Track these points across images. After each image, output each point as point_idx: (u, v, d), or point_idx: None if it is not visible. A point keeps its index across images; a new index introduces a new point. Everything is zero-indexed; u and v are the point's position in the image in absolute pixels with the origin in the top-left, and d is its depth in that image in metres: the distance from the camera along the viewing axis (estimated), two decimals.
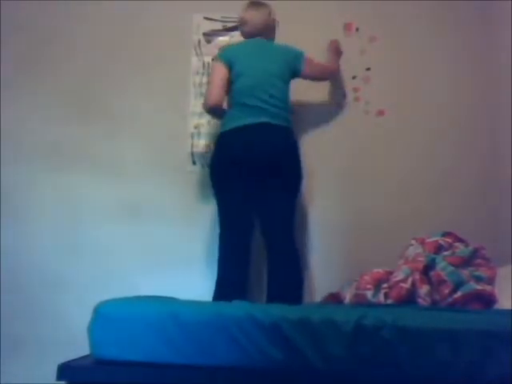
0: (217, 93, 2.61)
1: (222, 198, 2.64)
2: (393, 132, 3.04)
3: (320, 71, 2.85)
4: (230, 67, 2.64)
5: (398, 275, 2.20)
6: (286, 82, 2.69)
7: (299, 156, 2.63)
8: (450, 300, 2.07)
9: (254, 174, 2.56)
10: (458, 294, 2.05)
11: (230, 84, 2.65)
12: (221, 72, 2.64)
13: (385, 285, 2.22)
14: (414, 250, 2.35)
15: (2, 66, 3.08)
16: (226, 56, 2.66)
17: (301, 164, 2.63)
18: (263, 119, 2.55)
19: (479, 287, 2.04)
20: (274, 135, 2.57)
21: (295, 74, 2.72)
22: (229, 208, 2.62)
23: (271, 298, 2.48)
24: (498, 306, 2.00)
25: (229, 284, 2.51)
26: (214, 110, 2.68)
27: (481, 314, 1.86)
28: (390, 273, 2.28)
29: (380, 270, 2.31)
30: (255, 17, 2.74)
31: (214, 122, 3.02)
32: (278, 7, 2.84)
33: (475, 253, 2.24)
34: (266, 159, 2.54)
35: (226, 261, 2.57)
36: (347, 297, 2.34)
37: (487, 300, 2.03)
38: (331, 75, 2.95)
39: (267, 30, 2.76)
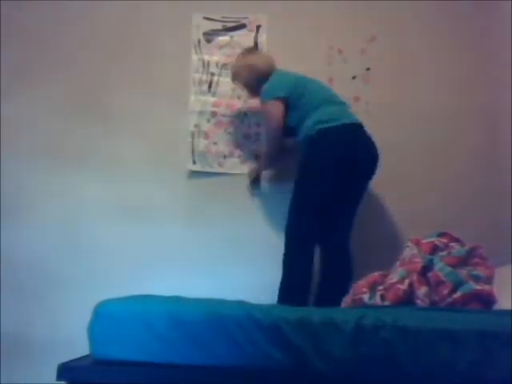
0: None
1: (320, 197, 2.60)
2: (392, 132, 3.04)
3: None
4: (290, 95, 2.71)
5: (393, 277, 2.20)
6: None
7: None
8: (449, 300, 2.06)
9: (355, 175, 2.62)
10: (458, 294, 2.05)
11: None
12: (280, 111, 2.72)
13: (380, 287, 2.22)
14: (410, 251, 2.34)
15: (3, 66, 3.08)
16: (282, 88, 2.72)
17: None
18: (356, 120, 2.68)
19: (478, 287, 2.04)
20: (368, 136, 2.69)
21: None
22: (321, 204, 2.61)
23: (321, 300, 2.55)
24: (497, 306, 2.00)
25: (301, 290, 2.54)
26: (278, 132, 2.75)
27: (481, 313, 1.87)
28: (385, 275, 2.28)
29: (375, 274, 2.31)
30: (266, 59, 2.89)
31: (215, 121, 3.03)
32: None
33: (472, 252, 2.24)
34: (369, 161, 2.66)
35: (303, 270, 2.57)
36: (343, 303, 2.34)
37: (486, 300, 2.03)
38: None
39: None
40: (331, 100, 2.72)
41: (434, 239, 2.33)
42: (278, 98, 2.69)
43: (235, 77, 2.89)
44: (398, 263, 2.34)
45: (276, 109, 2.69)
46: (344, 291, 2.38)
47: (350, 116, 2.69)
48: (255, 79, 2.81)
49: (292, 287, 2.53)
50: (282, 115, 2.69)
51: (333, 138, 2.60)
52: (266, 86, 2.74)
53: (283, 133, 2.74)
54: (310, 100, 2.69)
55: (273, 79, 2.76)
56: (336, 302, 2.33)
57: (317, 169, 2.59)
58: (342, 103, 2.75)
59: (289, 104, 2.70)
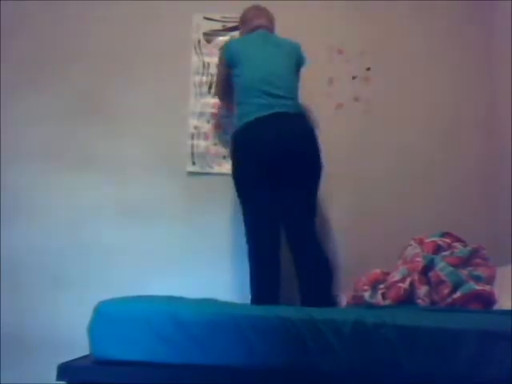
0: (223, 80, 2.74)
1: (250, 198, 2.53)
2: (393, 132, 3.05)
3: None
4: (230, 61, 2.64)
5: (395, 276, 2.20)
6: (293, 73, 2.66)
7: (318, 143, 2.55)
8: (449, 300, 2.06)
9: (277, 168, 2.47)
10: (458, 294, 2.05)
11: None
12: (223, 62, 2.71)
13: (381, 285, 2.22)
14: (413, 250, 2.35)
15: (3, 66, 3.08)
16: (228, 54, 2.67)
17: (320, 151, 2.54)
18: (276, 110, 2.48)
19: (479, 287, 2.04)
20: (292, 123, 2.51)
21: (300, 65, 2.72)
22: (259, 209, 2.52)
23: (304, 301, 2.42)
24: (497, 306, 2.00)
25: (266, 290, 2.44)
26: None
27: (481, 313, 1.87)
28: (387, 273, 2.28)
29: (377, 271, 2.31)
30: (258, 14, 2.79)
31: (215, 122, 3.03)
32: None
33: (474, 253, 2.24)
34: (292, 150, 2.46)
35: (261, 270, 2.48)
36: (344, 299, 2.34)
37: (487, 300, 2.03)
38: None
39: (269, 29, 2.78)
40: (266, 84, 2.54)
41: (437, 239, 2.33)
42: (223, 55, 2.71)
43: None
44: (400, 261, 2.35)
45: (220, 63, 2.76)
46: (325, 283, 2.32)
47: (269, 107, 2.50)
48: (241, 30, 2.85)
49: (258, 290, 2.46)
50: (222, 73, 2.74)
51: (241, 139, 2.53)
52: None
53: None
54: (244, 82, 2.58)
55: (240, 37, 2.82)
56: (321, 296, 2.30)
57: (238, 173, 2.55)
58: (279, 87, 2.55)
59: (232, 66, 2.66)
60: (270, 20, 2.81)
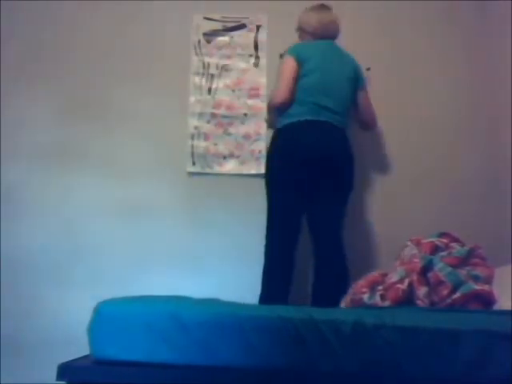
0: (287, 89, 2.57)
1: (282, 196, 2.56)
2: (393, 132, 3.05)
3: (370, 104, 2.80)
4: (301, 63, 2.61)
5: (393, 277, 2.20)
6: (351, 91, 2.70)
7: (354, 160, 2.64)
8: (449, 301, 2.06)
9: (315, 171, 2.52)
10: (457, 294, 2.05)
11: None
12: (292, 68, 2.60)
13: (380, 287, 2.21)
14: (410, 251, 2.34)
15: (2, 65, 3.08)
16: (297, 52, 2.64)
17: (354, 168, 2.64)
18: (323, 118, 2.54)
19: (478, 287, 2.04)
20: (335, 133, 2.57)
21: (357, 85, 2.73)
22: (287, 209, 2.56)
23: (317, 301, 2.48)
24: (497, 306, 2.00)
25: (277, 290, 2.50)
26: (281, 107, 2.61)
27: (481, 313, 1.86)
28: (385, 275, 2.28)
29: (374, 273, 2.31)
30: (334, 19, 2.76)
31: (215, 122, 3.02)
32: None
33: (472, 252, 2.23)
34: (332, 158, 2.53)
35: (277, 268, 2.53)
36: (342, 303, 2.34)
37: (487, 300, 2.03)
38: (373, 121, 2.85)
39: (331, 32, 2.77)
40: (324, 90, 2.59)
41: (435, 239, 2.33)
42: (290, 55, 2.61)
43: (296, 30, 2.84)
44: (397, 262, 2.34)
45: (288, 63, 2.60)
46: (339, 292, 2.35)
47: (320, 112, 2.56)
48: (299, 38, 2.79)
49: (269, 289, 2.50)
50: (294, 71, 2.58)
51: (285, 137, 2.56)
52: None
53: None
54: (305, 84, 2.59)
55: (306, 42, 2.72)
56: (332, 303, 2.32)
57: (274, 168, 2.57)
58: (334, 97, 2.60)
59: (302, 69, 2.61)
60: (336, 24, 2.78)
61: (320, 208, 2.59)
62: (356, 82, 2.72)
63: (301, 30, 2.78)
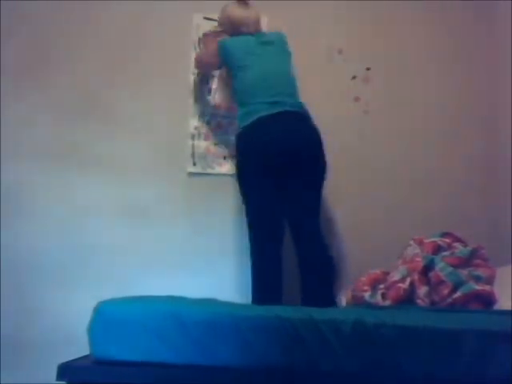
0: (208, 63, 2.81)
1: (255, 197, 2.54)
2: (393, 132, 3.05)
3: None
4: (227, 59, 2.64)
5: (395, 276, 2.20)
6: (290, 69, 2.67)
7: (323, 141, 2.55)
8: (449, 300, 2.06)
9: (283, 166, 2.47)
10: (458, 294, 2.05)
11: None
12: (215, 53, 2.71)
13: (381, 285, 2.22)
14: (413, 250, 2.35)
15: (3, 66, 3.08)
16: (225, 47, 2.66)
17: (325, 150, 2.55)
18: (281, 108, 2.49)
19: (479, 287, 2.04)
20: (297, 122, 2.52)
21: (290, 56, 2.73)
22: (263, 208, 2.53)
23: (305, 299, 2.44)
24: (497, 306, 2.00)
25: (269, 289, 2.47)
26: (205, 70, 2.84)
27: (481, 313, 1.87)
28: (387, 273, 2.28)
29: (376, 271, 2.31)
30: (247, 15, 2.75)
31: (215, 122, 3.02)
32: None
33: (474, 253, 2.24)
34: (298, 148, 2.47)
35: (265, 269, 2.50)
36: (343, 299, 2.34)
37: (487, 300, 2.03)
38: None
39: (258, 29, 2.78)
40: (268, 82, 2.56)
41: (437, 239, 2.33)
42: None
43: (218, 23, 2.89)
44: (399, 261, 2.35)
45: (211, 44, 2.76)
46: (327, 283, 2.33)
47: (273, 106, 2.50)
48: (228, 31, 2.78)
49: (261, 289, 2.48)
50: (214, 55, 2.72)
51: (249, 137, 2.52)
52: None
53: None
54: (246, 84, 2.58)
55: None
56: (323, 295, 2.30)
57: (243, 172, 2.55)
58: (281, 85, 2.58)
59: (231, 68, 2.65)
60: (257, 16, 2.78)
61: (294, 201, 2.53)
62: (289, 56, 2.71)
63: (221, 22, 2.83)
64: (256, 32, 2.74)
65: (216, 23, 2.98)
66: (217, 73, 2.93)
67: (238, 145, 2.58)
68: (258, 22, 2.78)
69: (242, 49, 2.65)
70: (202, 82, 3.02)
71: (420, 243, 2.38)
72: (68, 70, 3.10)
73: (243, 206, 2.61)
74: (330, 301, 2.36)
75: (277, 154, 2.45)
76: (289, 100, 2.54)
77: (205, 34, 3.00)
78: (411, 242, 2.42)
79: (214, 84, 2.95)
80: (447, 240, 2.33)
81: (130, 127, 3.05)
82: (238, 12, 2.76)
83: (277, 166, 2.47)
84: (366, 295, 2.21)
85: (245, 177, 2.56)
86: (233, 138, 3.01)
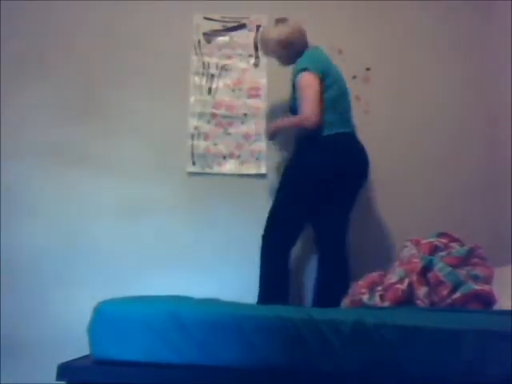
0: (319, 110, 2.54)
1: (304, 205, 2.60)
2: (393, 132, 3.05)
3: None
4: (323, 78, 2.61)
5: (392, 277, 2.20)
6: None
7: None
8: (448, 301, 2.06)
9: (348, 182, 2.61)
10: (457, 294, 2.05)
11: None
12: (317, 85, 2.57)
13: (379, 287, 2.21)
14: (409, 251, 2.34)
15: (2, 66, 3.08)
16: (319, 68, 2.62)
17: None
18: (352, 129, 2.67)
19: (478, 287, 2.04)
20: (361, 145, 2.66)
21: None
22: (306, 215, 2.63)
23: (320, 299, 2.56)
24: (497, 306, 2.00)
25: (278, 292, 2.54)
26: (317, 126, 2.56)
27: (481, 313, 1.87)
28: (384, 275, 2.28)
29: (374, 274, 2.31)
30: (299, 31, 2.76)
31: (215, 122, 3.02)
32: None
33: (471, 252, 2.23)
34: (365, 170, 2.64)
35: (279, 272, 2.59)
36: (342, 303, 2.34)
37: (486, 300, 2.03)
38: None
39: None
40: (346, 99, 2.70)
41: (434, 239, 2.33)
42: (313, 72, 2.56)
43: (266, 51, 2.80)
44: (396, 263, 2.34)
45: (314, 80, 2.55)
46: (339, 295, 2.36)
47: (349, 123, 2.69)
48: (287, 53, 2.73)
49: (270, 292, 2.53)
50: (320, 89, 2.55)
51: (340, 147, 2.58)
52: (301, 60, 2.63)
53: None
54: (335, 92, 2.63)
55: (309, 54, 2.68)
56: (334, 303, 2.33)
57: (314, 177, 2.56)
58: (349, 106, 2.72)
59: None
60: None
61: (338, 213, 2.65)
62: None
63: (291, 43, 2.71)
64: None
65: (215, 23, 2.99)
66: (217, 72, 2.93)
67: (325, 145, 2.58)
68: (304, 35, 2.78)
69: (324, 60, 2.69)
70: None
71: (417, 244, 2.37)
72: (68, 69, 3.10)
73: (282, 205, 2.63)
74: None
75: (353, 170, 2.59)
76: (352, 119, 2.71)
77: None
78: (407, 243, 2.42)
79: (214, 84, 2.96)
80: (444, 240, 2.33)
81: (130, 127, 3.05)
82: (291, 33, 2.73)
83: (348, 181, 2.59)
84: (365, 298, 2.20)
85: (311, 183, 2.56)
86: (233, 138, 3.02)
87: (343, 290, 2.40)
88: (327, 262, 2.63)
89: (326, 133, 2.56)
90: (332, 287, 2.53)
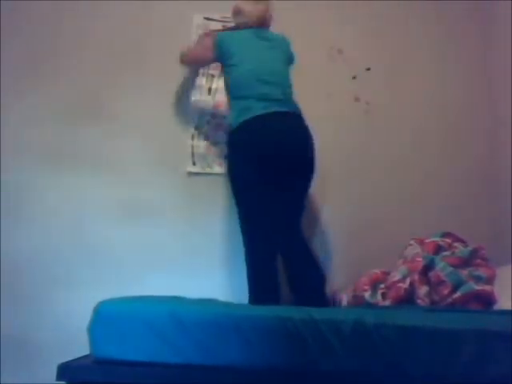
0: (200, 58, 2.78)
1: (250, 197, 2.49)
2: (393, 132, 3.05)
3: None
4: (223, 53, 2.63)
5: (395, 275, 2.21)
6: (288, 70, 2.68)
7: (314, 143, 2.54)
8: (449, 300, 2.07)
9: (279, 168, 2.44)
10: (458, 294, 2.05)
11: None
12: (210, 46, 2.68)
13: (382, 285, 2.22)
14: (413, 250, 2.35)
15: (3, 66, 3.08)
16: (222, 40, 2.64)
17: (315, 151, 2.54)
18: (277, 108, 2.47)
19: (478, 287, 2.04)
20: (291, 123, 2.50)
21: (291, 62, 2.73)
22: (260, 210, 2.49)
23: (299, 300, 2.42)
24: (497, 306, 2.00)
25: (266, 293, 2.45)
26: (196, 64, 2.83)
27: (481, 313, 1.87)
28: (387, 273, 2.29)
29: (377, 271, 2.31)
30: (253, 9, 2.72)
31: (215, 122, 3.02)
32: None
33: (474, 253, 2.24)
34: (293, 151, 2.45)
35: (261, 271, 2.49)
36: (344, 299, 2.34)
37: (487, 300, 2.03)
38: None
39: (263, 25, 2.75)
40: (263, 79, 2.52)
41: (438, 239, 2.34)
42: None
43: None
44: (400, 261, 2.35)
45: (206, 39, 2.74)
46: (318, 282, 2.33)
47: (268, 105, 2.47)
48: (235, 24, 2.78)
49: (258, 293, 2.46)
50: (209, 48, 2.69)
51: (242, 137, 2.47)
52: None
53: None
54: (240, 76, 2.56)
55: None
56: (315, 293, 2.30)
57: (238, 171, 2.50)
58: (276, 83, 2.55)
59: (226, 61, 2.64)
60: (264, 12, 2.75)
61: (283, 200, 2.52)
62: (289, 59, 2.71)
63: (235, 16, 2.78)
64: (258, 27, 2.72)
65: (215, 23, 2.99)
66: (217, 72, 2.93)
67: (233, 142, 2.54)
68: (263, 17, 2.74)
69: (238, 41, 2.64)
70: (192, 78, 2.97)
71: (421, 243, 2.38)
72: (68, 69, 3.09)
73: (236, 207, 2.57)
74: (323, 300, 2.37)
75: (273, 156, 2.43)
76: (283, 98, 2.52)
77: (201, 33, 2.98)
78: (412, 242, 2.43)
79: (214, 84, 2.95)
80: (448, 240, 2.34)
81: (130, 127, 3.05)
82: (244, 4, 2.74)
83: (272, 168, 2.45)
84: (367, 295, 2.21)
85: (239, 176, 2.51)
86: None
87: (314, 274, 2.38)
88: (290, 260, 2.51)
89: (235, 122, 2.51)
90: (306, 278, 2.45)
